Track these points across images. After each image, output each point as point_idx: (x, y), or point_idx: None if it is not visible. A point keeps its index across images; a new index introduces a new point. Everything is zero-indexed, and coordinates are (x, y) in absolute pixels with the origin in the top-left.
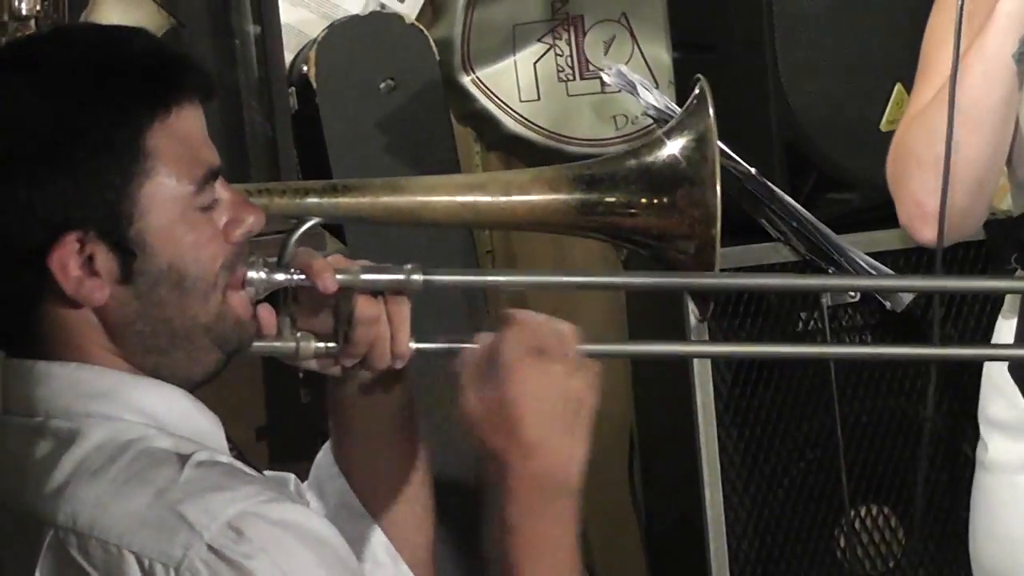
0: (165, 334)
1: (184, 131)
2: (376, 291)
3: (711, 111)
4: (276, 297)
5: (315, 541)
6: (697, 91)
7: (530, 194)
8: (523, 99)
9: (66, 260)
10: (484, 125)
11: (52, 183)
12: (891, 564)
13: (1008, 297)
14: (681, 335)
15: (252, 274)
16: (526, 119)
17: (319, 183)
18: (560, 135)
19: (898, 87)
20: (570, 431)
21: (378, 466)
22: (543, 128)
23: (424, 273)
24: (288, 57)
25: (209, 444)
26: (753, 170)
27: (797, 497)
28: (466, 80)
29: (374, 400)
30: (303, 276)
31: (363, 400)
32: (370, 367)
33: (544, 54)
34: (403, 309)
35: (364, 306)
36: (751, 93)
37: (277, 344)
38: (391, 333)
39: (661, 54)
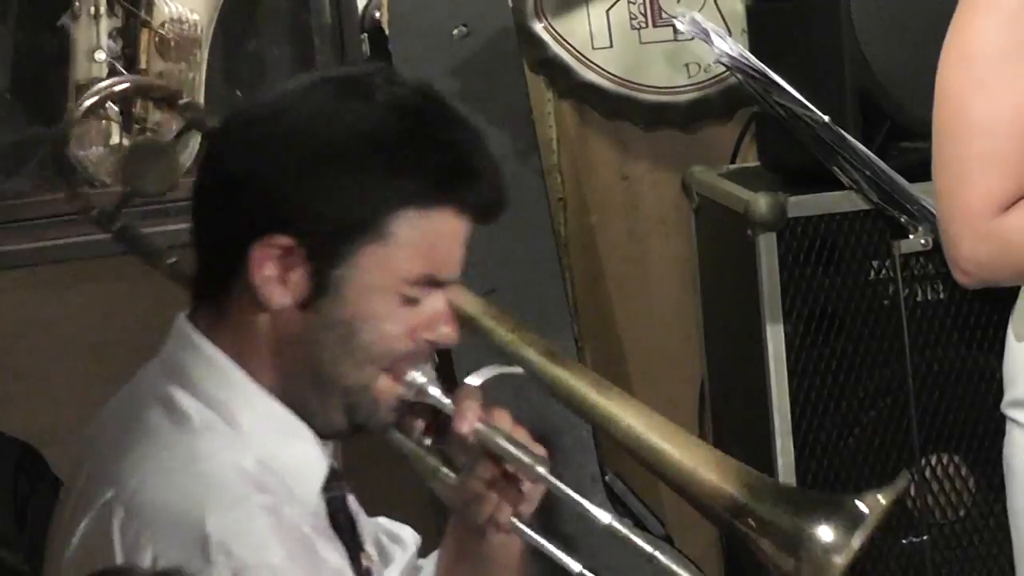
0: (310, 372)
1: (435, 231)
2: (500, 459)
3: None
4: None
5: None
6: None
7: (707, 474)
8: (596, 46)
9: (266, 257)
10: (556, 72)
11: (300, 191)
12: (961, 513)
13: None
14: (754, 294)
15: (415, 375)
16: (599, 66)
17: (542, 345)
18: (633, 82)
19: None
20: None
21: None
22: (616, 75)
23: (550, 469)
24: (360, 3)
25: (295, 485)
26: (826, 118)
27: (868, 446)
28: (539, 27)
29: (477, 549)
30: (450, 404)
31: (469, 543)
32: (472, 517)
33: (617, 1)
34: (512, 490)
35: (484, 466)
36: (825, 41)
37: (419, 450)
38: (495, 504)
39: (735, 2)
